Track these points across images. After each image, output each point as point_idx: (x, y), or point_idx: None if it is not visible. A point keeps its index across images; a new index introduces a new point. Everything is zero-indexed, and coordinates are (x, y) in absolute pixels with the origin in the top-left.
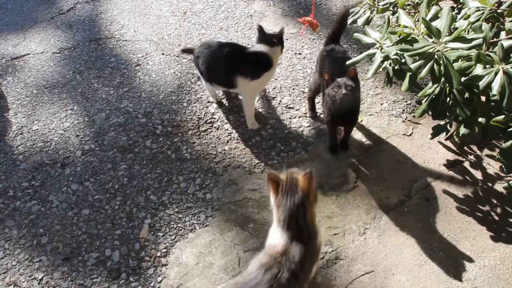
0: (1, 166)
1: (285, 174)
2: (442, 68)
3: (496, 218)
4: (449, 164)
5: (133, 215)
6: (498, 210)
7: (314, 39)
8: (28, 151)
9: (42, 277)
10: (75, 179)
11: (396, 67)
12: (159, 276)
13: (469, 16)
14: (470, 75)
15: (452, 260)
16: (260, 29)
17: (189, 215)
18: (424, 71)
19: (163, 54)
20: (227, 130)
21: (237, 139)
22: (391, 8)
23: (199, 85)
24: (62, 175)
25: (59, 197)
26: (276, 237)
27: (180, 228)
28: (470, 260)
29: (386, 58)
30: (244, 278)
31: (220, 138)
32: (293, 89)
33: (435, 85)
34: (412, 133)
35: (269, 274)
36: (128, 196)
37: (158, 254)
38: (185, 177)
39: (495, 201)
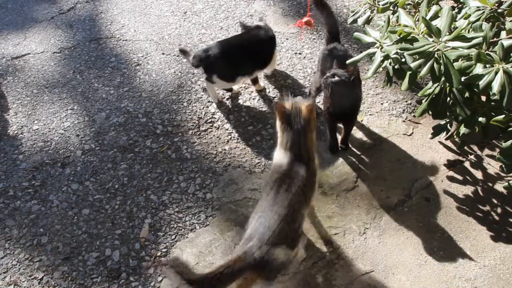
0: (1, 165)
1: (290, 103)
2: (442, 67)
3: (497, 218)
4: (450, 164)
5: (134, 215)
6: (499, 210)
7: (314, 38)
8: (28, 151)
9: (42, 276)
10: (75, 178)
11: (396, 67)
12: (159, 275)
13: (469, 15)
14: (470, 75)
15: (452, 260)
16: (242, 25)
17: (189, 214)
18: (424, 70)
19: (163, 53)
20: (227, 129)
21: (237, 139)
22: (391, 8)
23: (199, 85)
24: (62, 174)
25: (59, 197)
26: (280, 158)
27: (180, 228)
28: (470, 260)
29: (386, 57)
30: (263, 198)
31: (220, 138)
32: (294, 88)
33: (435, 85)
34: (412, 132)
35: (284, 186)
36: (128, 195)
37: (159, 253)
38: (185, 176)
39: (495, 201)
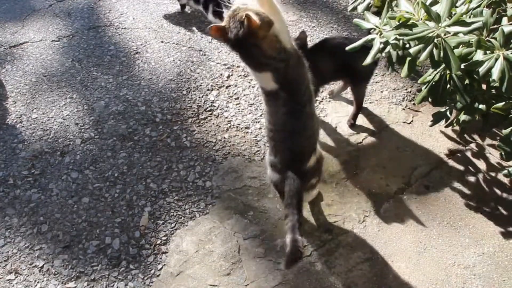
0: (0, 154)
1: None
2: (441, 52)
3: (496, 206)
4: (450, 152)
5: (133, 203)
6: (498, 198)
7: (314, 26)
8: (27, 140)
9: (43, 264)
10: (74, 167)
11: (399, 52)
12: (159, 263)
13: (470, 1)
14: (470, 61)
15: (451, 248)
16: None
17: (189, 203)
18: (423, 55)
19: (162, 41)
20: (226, 118)
21: (237, 127)
22: None
23: (198, 73)
24: (62, 163)
25: (59, 186)
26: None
27: (180, 216)
28: (469, 247)
29: (386, 43)
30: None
31: (219, 126)
32: None
33: (435, 71)
34: (412, 121)
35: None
36: (128, 184)
37: (158, 242)
38: (184, 165)
39: (495, 190)
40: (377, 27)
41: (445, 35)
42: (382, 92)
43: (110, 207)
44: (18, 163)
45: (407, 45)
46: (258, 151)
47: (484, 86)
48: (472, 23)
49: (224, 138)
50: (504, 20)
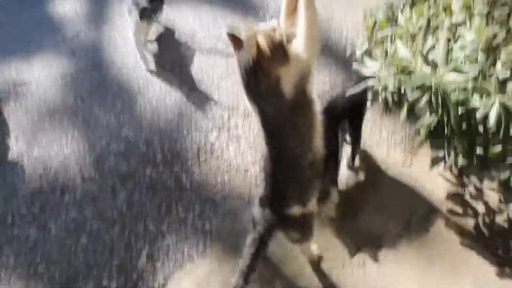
0: (0, 192)
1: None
2: (439, 99)
3: (498, 251)
4: (449, 195)
5: (132, 244)
6: (500, 242)
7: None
8: (28, 177)
9: None
10: (74, 206)
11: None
12: None
13: (465, 47)
14: (467, 107)
15: None
16: None
17: (188, 244)
18: (422, 102)
19: (164, 82)
20: (226, 160)
21: (237, 169)
22: (389, 39)
23: (199, 114)
24: (62, 202)
25: (57, 225)
26: None
27: (178, 258)
28: None
29: (385, 89)
30: None
31: (219, 168)
32: None
33: (433, 116)
34: (411, 163)
35: None
36: (127, 224)
37: (156, 285)
38: (184, 206)
39: (497, 233)
40: (376, 73)
41: (442, 82)
42: (381, 133)
43: (109, 247)
44: (18, 200)
45: (405, 91)
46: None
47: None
48: (469, 71)
49: (224, 179)
50: (498, 65)
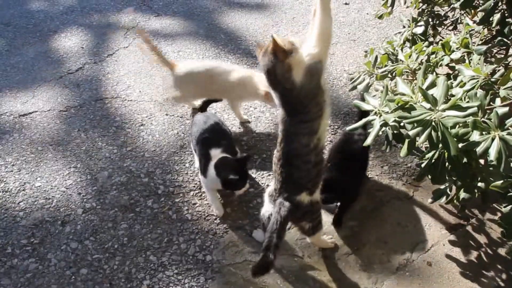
0: (1, 222)
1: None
2: (439, 134)
3: (501, 283)
4: (451, 228)
5: (132, 276)
6: (503, 275)
7: None
8: (29, 208)
9: None
10: (75, 237)
11: (395, 132)
12: None
13: (464, 83)
14: (467, 142)
15: None
16: None
17: (189, 277)
18: (422, 138)
19: (167, 114)
20: (228, 192)
21: (238, 201)
22: (389, 75)
23: None
24: (62, 233)
25: (57, 256)
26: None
27: None
28: None
29: (385, 124)
30: None
31: (221, 200)
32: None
33: (433, 151)
34: (412, 196)
35: None
36: (128, 256)
37: None
38: (185, 238)
39: (499, 266)
40: (376, 109)
41: (442, 117)
42: (382, 167)
43: (108, 279)
44: (18, 231)
45: (405, 126)
46: (259, 225)
47: (482, 162)
48: (468, 108)
49: (226, 211)
50: (497, 101)
